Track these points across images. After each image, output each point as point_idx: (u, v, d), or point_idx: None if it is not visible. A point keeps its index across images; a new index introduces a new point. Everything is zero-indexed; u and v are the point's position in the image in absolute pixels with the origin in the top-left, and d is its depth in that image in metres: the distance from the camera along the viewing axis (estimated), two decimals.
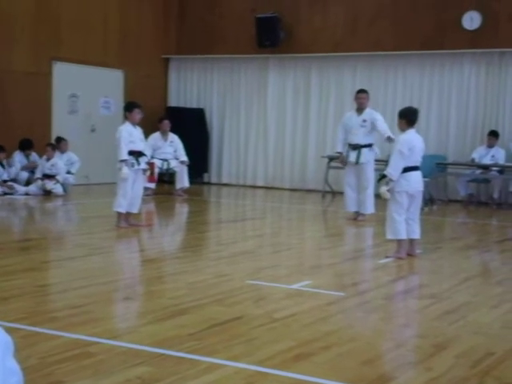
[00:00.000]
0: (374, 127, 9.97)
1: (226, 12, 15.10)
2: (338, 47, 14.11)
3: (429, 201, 12.31)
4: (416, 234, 7.37)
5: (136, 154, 8.58)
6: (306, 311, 5.13)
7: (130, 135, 8.45)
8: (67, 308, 4.96)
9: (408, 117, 7.43)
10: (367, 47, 13.81)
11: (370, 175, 10.09)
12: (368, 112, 10.08)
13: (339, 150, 10.27)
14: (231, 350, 4.13)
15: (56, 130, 13.40)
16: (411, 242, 7.36)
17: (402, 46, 13.49)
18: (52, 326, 4.48)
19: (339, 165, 10.96)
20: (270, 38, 14.38)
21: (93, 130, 14.29)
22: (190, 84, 15.89)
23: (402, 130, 7.42)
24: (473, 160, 12.58)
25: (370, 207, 10.12)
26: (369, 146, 10.04)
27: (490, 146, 12.63)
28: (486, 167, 12.58)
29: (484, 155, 12.65)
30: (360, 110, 10.09)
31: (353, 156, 10.01)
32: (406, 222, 7.26)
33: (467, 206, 12.67)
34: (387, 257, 7.26)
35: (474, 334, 4.63)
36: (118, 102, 14.78)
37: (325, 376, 3.78)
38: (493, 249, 8.47)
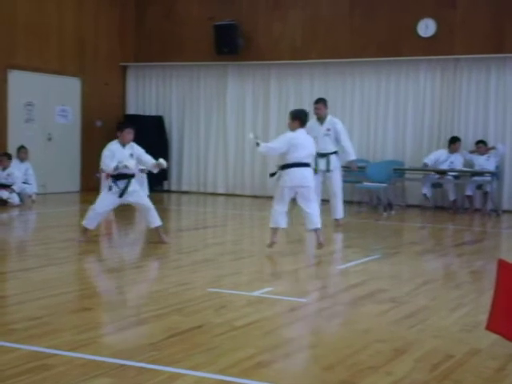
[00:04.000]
0: (337, 138, 10.22)
1: (184, 19, 15.08)
2: (296, 55, 14.20)
3: (387, 206, 12.45)
4: (317, 224, 7.79)
5: (121, 177, 8.19)
6: (267, 318, 5.13)
7: (113, 154, 8.18)
8: (25, 320, 4.87)
9: (302, 118, 7.80)
10: (324, 54, 13.93)
11: (339, 181, 10.31)
12: (330, 121, 10.32)
13: None
14: (192, 359, 4.11)
15: (12, 139, 13.20)
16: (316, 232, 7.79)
17: (359, 54, 13.64)
18: (10, 339, 4.39)
19: None
20: (229, 45, 14.41)
21: (49, 139, 14.12)
22: (148, 92, 15.81)
23: (293, 130, 7.75)
24: (425, 165, 12.76)
25: (340, 212, 10.29)
26: (335, 153, 10.20)
27: (452, 151, 12.81)
28: (442, 172, 12.77)
29: (443, 160, 12.82)
30: (320, 119, 10.27)
31: (322, 164, 10.17)
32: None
33: (426, 205, 12.82)
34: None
35: (433, 338, 4.69)
36: (75, 110, 14.64)
37: (286, 383, 3.78)
38: (450, 253, 8.59)
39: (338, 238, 9.66)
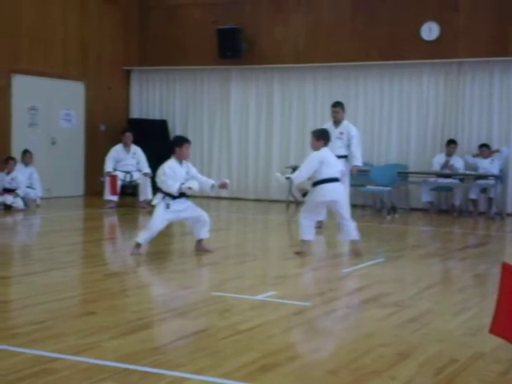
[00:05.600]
0: (349, 143, 10.27)
1: (187, 23, 15.11)
2: (299, 58, 14.21)
3: (391, 209, 12.45)
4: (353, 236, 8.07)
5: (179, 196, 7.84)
6: (271, 322, 5.13)
7: (175, 173, 7.75)
8: (29, 324, 4.88)
9: (326, 137, 8.08)
10: (328, 58, 13.94)
11: (347, 186, 10.26)
12: (345, 125, 10.36)
13: None
14: (196, 363, 4.11)
15: (16, 143, 13.23)
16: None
17: (362, 57, 13.64)
18: (13, 343, 4.40)
19: None
20: (232, 49, 14.42)
21: (53, 143, 14.14)
22: (152, 96, 15.83)
23: (317, 148, 7.97)
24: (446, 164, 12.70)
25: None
26: (345, 157, 10.20)
27: (449, 154, 12.83)
28: (446, 175, 12.76)
29: (442, 163, 12.82)
30: (336, 122, 10.34)
31: None
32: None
33: (429, 213, 12.83)
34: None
35: (436, 342, 4.68)
36: (78, 114, 14.67)
37: None
38: (454, 256, 8.58)
39: (342, 241, 9.63)
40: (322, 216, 10.30)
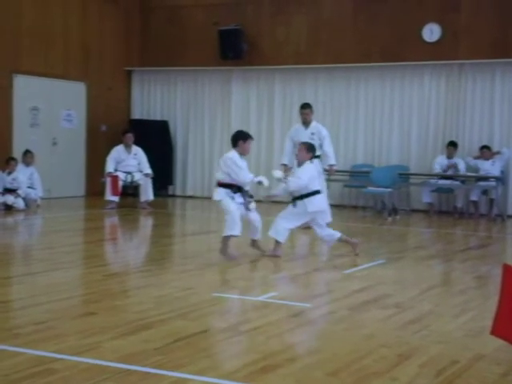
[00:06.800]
0: (321, 143, 10.43)
1: (188, 24, 15.12)
2: (300, 59, 14.22)
3: (392, 210, 12.44)
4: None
5: (235, 188, 7.84)
6: (271, 323, 5.13)
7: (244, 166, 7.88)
8: (30, 324, 4.88)
9: (315, 151, 8.34)
10: (329, 60, 13.94)
11: (323, 185, 10.30)
12: (314, 126, 10.60)
13: (285, 162, 10.70)
14: (197, 363, 4.11)
15: (17, 144, 13.24)
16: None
17: (363, 59, 13.65)
18: (14, 343, 4.40)
19: None
20: (233, 50, 14.43)
21: (54, 143, 14.15)
22: (153, 96, 15.84)
23: (304, 160, 8.09)
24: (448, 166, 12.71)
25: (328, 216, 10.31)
26: (318, 157, 10.32)
27: (450, 156, 12.82)
28: (448, 177, 12.76)
29: (444, 165, 12.83)
30: (306, 123, 10.56)
31: None
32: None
33: (429, 215, 12.83)
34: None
35: (437, 343, 4.68)
36: (79, 114, 14.68)
37: None
38: (455, 258, 8.58)
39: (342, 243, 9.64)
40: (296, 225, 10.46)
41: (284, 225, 8.04)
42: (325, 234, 8.13)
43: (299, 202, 8.00)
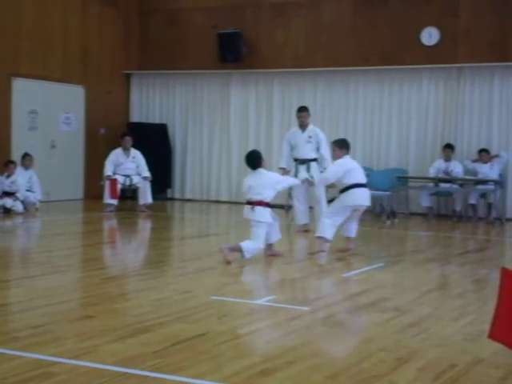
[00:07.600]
0: (318, 146, 10.48)
1: (187, 28, 15.13)
2: (299, 63, 14.23)
3: (390, 214, 12.44)
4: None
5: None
6: (270, 326, 5.12)
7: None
8: (28, 328, 4.87)
9: (348, 145, 8.43)
10: (328, 63, 13.96)
11: (321, 188, 10.32)
12: (311, 129, 10.62)
13: (283, 165, 10.70)
14: (196, 367, 4.10)
15: (16, 147, 13.23)
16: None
17: (362, 62, 13.66)
18: (12, 346, 4.40)
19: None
20: (232, 53, 14.44)
21: (53, 147, 14.15)
22: (152, 99, 15.85)
23: (340, 157, 8.27)
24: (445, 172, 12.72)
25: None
26: (315, 160, 10.42)
27: (447, 159, 12.83)
28: (446, 181, 12.76)
29: (442, 169, 12.83)
30: (303, 126, 10.58)
31: (303, 170, 10.33)
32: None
33: (428, 218, 12.83)
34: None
35: (436, 347, 4.68)
36: (78, 117, 14.68)
37: None
38: (454, 261, 8.58)
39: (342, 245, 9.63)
40: (304, 219, 10.46)
41: (328, 222, 8.12)
42: (353, 227, 8.31)
43: (339, 196, 8.17)
